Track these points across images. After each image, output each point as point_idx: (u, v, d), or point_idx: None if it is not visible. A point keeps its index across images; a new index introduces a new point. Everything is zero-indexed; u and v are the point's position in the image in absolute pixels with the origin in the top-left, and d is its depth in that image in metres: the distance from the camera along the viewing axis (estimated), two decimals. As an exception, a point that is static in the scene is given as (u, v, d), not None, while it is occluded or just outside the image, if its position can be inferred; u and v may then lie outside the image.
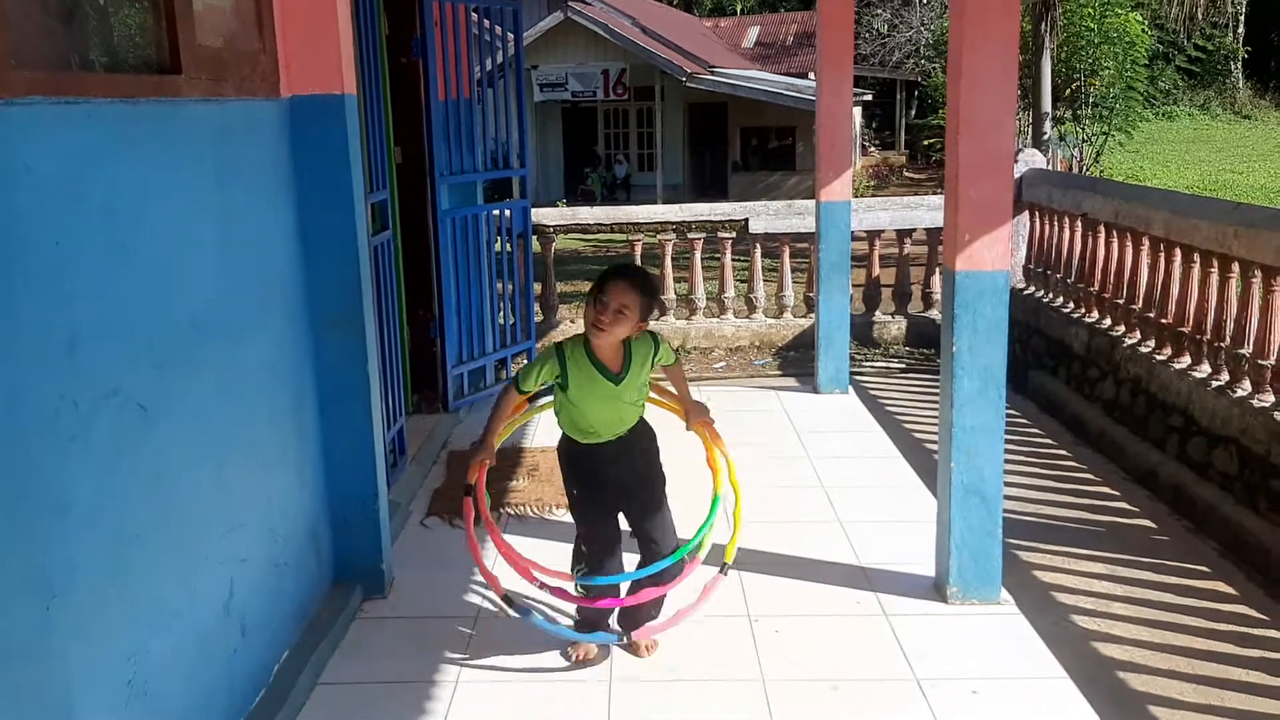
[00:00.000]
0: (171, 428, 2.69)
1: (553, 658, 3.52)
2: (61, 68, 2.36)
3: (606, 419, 3.36)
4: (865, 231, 8.69)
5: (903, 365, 8.32)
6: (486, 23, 6.71)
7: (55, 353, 2.21)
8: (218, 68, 3.05)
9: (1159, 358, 5.94)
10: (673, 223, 8.85)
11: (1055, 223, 7.67)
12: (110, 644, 2.40)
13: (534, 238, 7.71)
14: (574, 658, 3.50)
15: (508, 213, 6.75)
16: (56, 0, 2.39)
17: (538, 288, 8.39)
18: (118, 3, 2.72)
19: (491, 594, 4.01)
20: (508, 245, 6.73)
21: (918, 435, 6.39)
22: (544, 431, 6.01)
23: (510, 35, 6.56)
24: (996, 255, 3.66)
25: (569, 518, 4.70)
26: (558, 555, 4.31)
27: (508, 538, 4.51)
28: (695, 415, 3.53)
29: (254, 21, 3.38)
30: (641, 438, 3.47)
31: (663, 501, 3.52)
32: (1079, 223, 7.21)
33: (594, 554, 3.49)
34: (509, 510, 4.78)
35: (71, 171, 2.29)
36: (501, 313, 6.77)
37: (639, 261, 8.10)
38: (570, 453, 3.48)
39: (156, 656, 2.58)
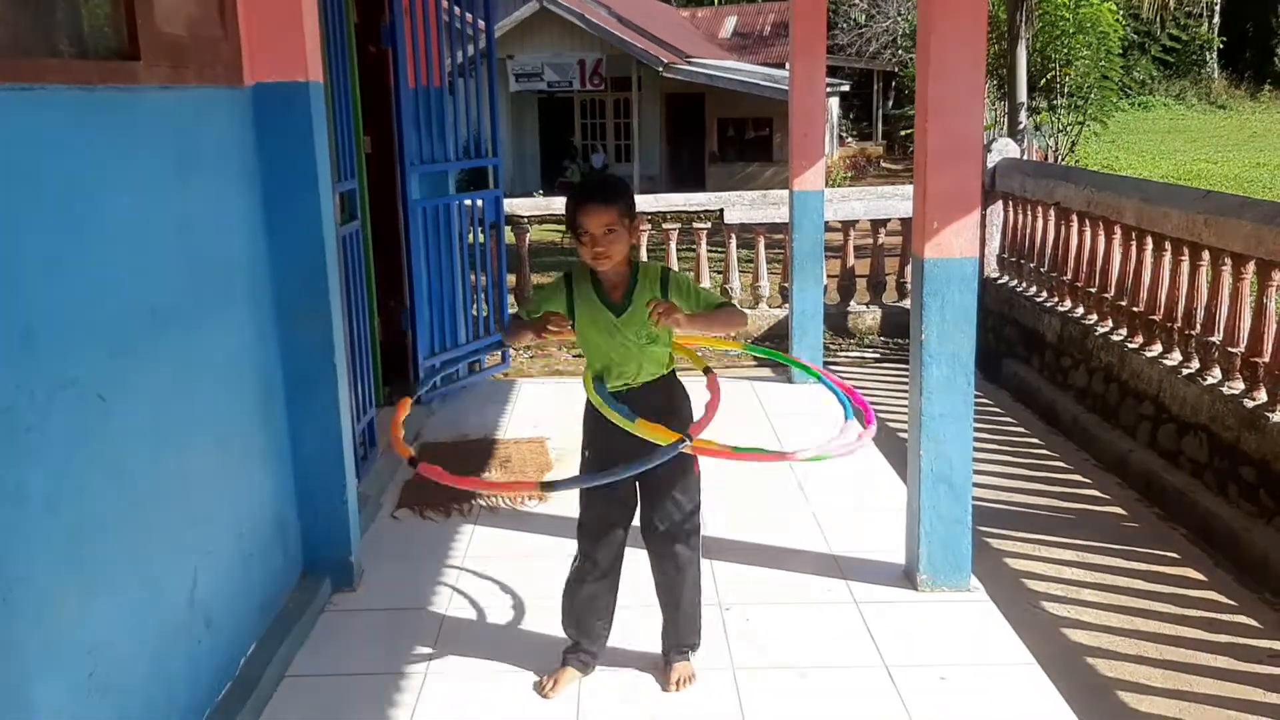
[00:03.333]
0: (131, 418, 2.65)
1: (522, 651, 3.50)
2: (15, 53, 2.32)
3: (615, 359, 3.05)
4: (840, 221, 8.71)
5: (877, 355, 8.34)
6: (458, 10, 6.65)
7: (10, 342, 2.17)
8: (178, 54, 3.01)
9: (1130, 346, 5.97)
10: (648, 213, 8.82)
11: (1029, 212, 7.69)
12: (70, 637, 2.36)
13: (508, 228, 7.67)
14: (545, 688, 3.27)
15: (480, 203, 6.71)
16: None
17: (511, 279, 8.35)
18: (74, -13, 2.68)
19: (462, 585, 4.00)
20: (480, 236, 6.69)
21: (891, 424, 6.40)
22: (516, 423, 5.99)
23: (482, 23, 6.51)
24: (964, 242, 3.66)
25: (541, 509, 4.71)
26: (533, 549, 4.32)
27: (480, 528, 4.53)
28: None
29: (216, 8, 3.33)
30: (663, 393, 3.12)
31: (686, 467, 3.16)
32: (1052, 212, 7.24)
33: (586, 531, 3.21)
34: (480, 502, 4.76)
35: (25, 158, 2.25)
36: (475, 304, 6.73)
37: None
38: (589, 402, 3.14)
39: (118, 649, 2.56)
